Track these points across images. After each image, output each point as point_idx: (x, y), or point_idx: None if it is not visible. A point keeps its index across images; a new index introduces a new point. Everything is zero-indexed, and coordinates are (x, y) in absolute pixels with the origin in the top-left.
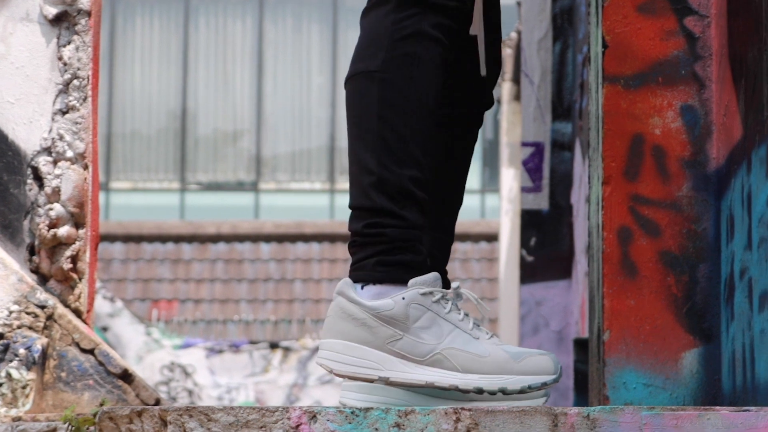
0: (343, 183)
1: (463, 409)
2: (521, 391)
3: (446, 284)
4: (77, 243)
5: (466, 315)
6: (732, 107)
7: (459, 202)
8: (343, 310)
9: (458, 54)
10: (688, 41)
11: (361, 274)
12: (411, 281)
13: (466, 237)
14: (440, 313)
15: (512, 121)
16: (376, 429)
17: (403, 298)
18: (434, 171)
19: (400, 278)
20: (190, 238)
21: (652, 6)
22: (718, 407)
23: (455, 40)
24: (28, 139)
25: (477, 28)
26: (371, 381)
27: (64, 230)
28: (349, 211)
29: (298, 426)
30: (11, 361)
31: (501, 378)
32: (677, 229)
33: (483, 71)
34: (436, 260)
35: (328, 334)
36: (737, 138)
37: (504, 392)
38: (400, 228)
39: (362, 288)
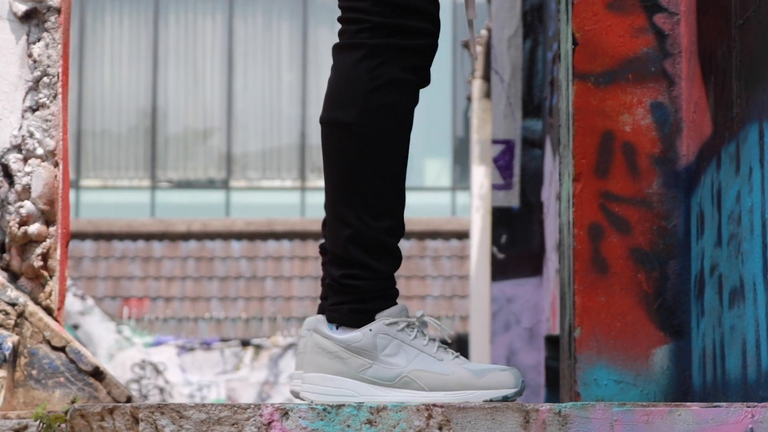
0: (314, 181)
1: (435, 405)
2: None
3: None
4: (48, 240)
5: (432, 340)
6: (702, 104)
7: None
8: (319, 345)
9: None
10: (657, 38)
11: (336, 317)
12: (377, 315)
13: (437, 234)
14: (405, 341)
15: (483, 118)
16: (348, 425)
17: (370, 330)
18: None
19: (370, 322)
20: (161, 236)
21: (622, 3)
22: (688, 403)
23: (427, 69)
24: None
25: (471, 12)
26: None
27: (34, 228)
28: (322, 219)
29: (270, 423)
30: None
31: (464, 393)
32: (647, 226)
33: (475, 55)
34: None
35: (308, 369)
36: (707, 135)
37: None
38: (373, 280)
39: (336, 327)
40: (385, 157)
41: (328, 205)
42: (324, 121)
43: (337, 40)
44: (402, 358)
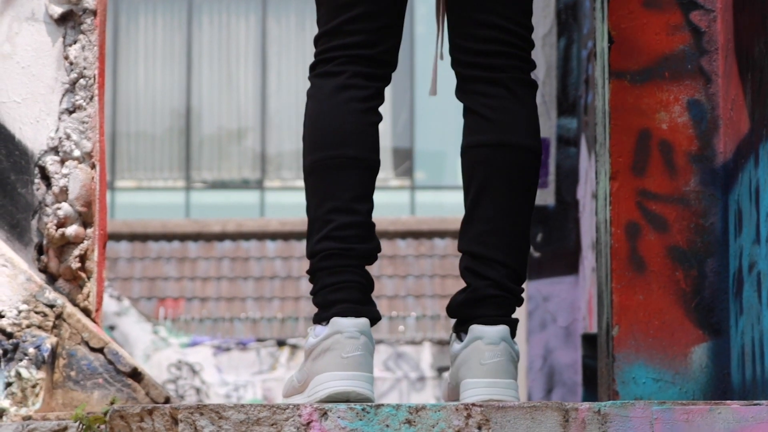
0: None
1: (474, 405)
2: None
3: None
4: (85, 242)
5: None
6: (739, 101)
7: None
8: (512, 355)
9: None
10: (694, 36)
11: (513, 332)
12: None
13: None
14: None
15: None
16: (387, 425)
17: None
18: None
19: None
20: (196, 237)
21: (658, 1)
22: (728, 401)
23: None
24: (35, 138)
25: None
26: None
27: (72, 229)
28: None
29: (309, 423)
30: (21, 360)
31: None
32: (685, 224)
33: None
34: None
35: (506, 375)
36: (744, 132)
37: None
38: None
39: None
40: None
41: (517, 227)
42: (533, 150)
43: None
44: None
